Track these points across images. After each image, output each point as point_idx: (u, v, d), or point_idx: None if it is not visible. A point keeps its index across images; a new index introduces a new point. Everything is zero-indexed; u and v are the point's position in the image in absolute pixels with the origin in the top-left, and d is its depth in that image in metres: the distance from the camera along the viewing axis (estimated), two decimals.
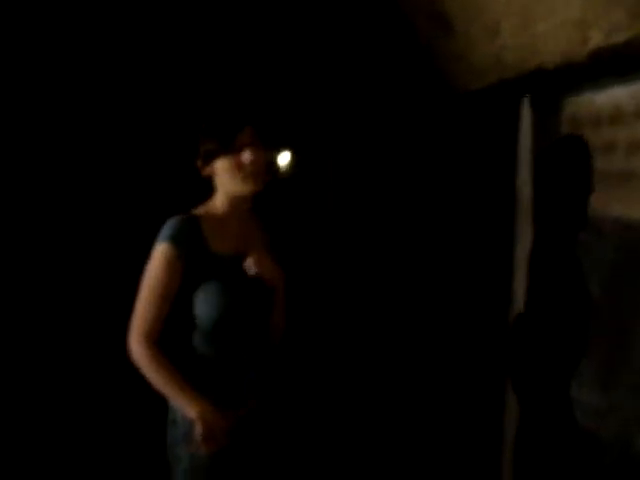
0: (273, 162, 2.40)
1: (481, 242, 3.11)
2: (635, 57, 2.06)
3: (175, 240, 1.95)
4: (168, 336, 1.99)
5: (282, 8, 2.90)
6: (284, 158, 2.96)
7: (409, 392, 3.15)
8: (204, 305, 2.00)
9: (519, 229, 2.99)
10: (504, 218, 3.01)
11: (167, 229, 1.97)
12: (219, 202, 2.09)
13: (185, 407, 1.91)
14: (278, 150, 2.59)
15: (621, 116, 2.36)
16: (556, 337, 2.72)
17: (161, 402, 2.00)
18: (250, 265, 2.04)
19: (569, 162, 2.68)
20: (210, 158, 2.04)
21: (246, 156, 1.99)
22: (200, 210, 2.08)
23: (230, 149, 2.00)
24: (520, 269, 2.96)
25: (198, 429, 1.85)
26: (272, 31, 2.92)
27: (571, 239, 2.66)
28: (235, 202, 2.08)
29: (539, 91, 2.69)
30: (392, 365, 3.17)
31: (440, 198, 3.16)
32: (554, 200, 2.77)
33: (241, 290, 2.04)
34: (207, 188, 2.13)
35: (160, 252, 1.96)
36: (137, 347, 1.94)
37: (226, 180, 2.03)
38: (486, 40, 2.53)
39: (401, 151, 3.08)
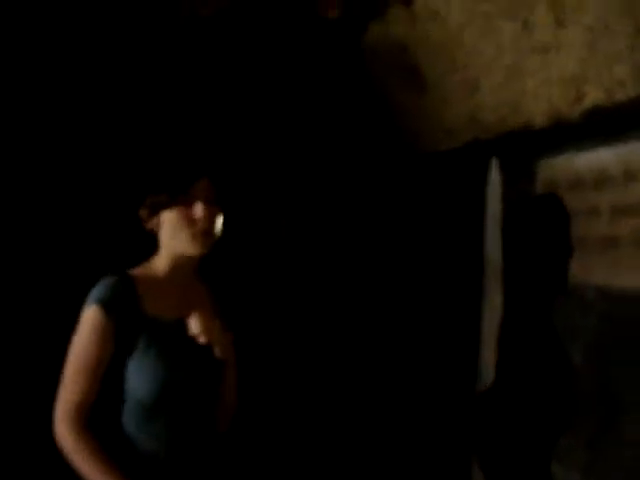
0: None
1: (447, 310, 2.91)
2: (634, 117, 1.93)
3: (105, 302, 1.72)
4: (99, 416, 1.73)
5: (246, 56, 2.67)
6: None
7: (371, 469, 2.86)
8: (140, 378, 1.74)
9: (487, 297, 2.83)
10: (471, 284, 2.83)
11: (97, 290, 1.74)
12: (161, 261, 1.85)
13: None
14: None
15: (606, 180, 2.23)
16: (532, 412, 2.52)
17: None
18: (196, 330, 1.78)
19: (544, 227, 2.55)
20: (157, 209, 1.81)
21: (199, 211, 1.76)
22: (138, 270, 1.84)
23: (182, 201, 1.77)
24: (488, 339, 2.77)
25: None
26: (234, 80, 2.69)
27: (547, 308, 2.51)
28: (180, 262, 1.84)
29: (511, 153, 2.55)
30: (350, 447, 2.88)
31: (404, 262, 2.95)
32: (527, 266, 2.61)
33: (184, 360, 1.79)
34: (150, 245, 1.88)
35: (88, 317, 1.72)
36: (63, 429, 1.67)
37: (172, 236, 1.79)
38: (462, 97, 2.38)
39: (362, 211, 2.86)
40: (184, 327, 1.81)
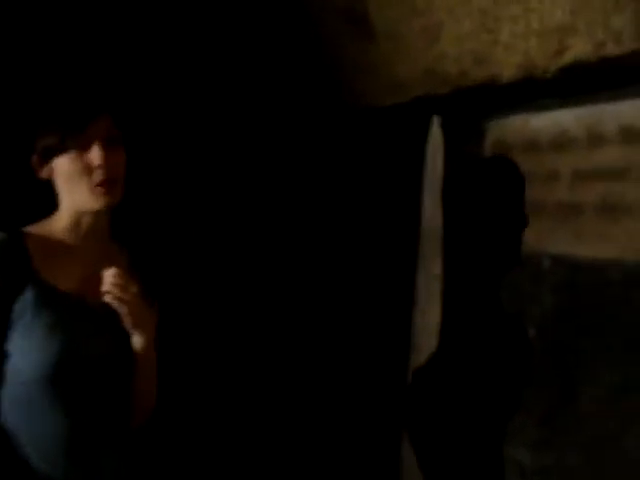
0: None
1: (379, 275, 2.70)
2: (618, 75, 1.77)
3: None
4: None
5: None
6: None
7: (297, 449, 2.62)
8: (26, 357, 1.45)
9: (423, 264, 2.63)
10: (406, 251, 2.63)
11: None
12: (61, 218, 1.57)
13: None
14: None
15: (567, 142, 2.08)
16: (478, 388, 2.38)
17: None
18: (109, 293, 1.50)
19: (493, 191, 2.38)
20: (49, 154, 1.52)
21: (97, 155, 1.48)
22: (34, 227, 1.56)
23: (76, 144, 1.48)
24: (425, 308, 2.59)
25: None
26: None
27: (496, 278, 2.35)
28: (83, 220, 1.56)
29: (461, 111, 2.35)
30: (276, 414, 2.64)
31: (333, 227, 2.71)
32: (473, 234, 2.44)
33: (85, 337, 1.51)
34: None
35: None
36: None
37: (69, 188, 1.52)
38: (419, 47, 2.15)
39: (290, 168, 2.58)
40: (90, 303, 1.53)
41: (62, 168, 1.50)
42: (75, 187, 1.50)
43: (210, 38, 2.47)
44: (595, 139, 2.02)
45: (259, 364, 2.59)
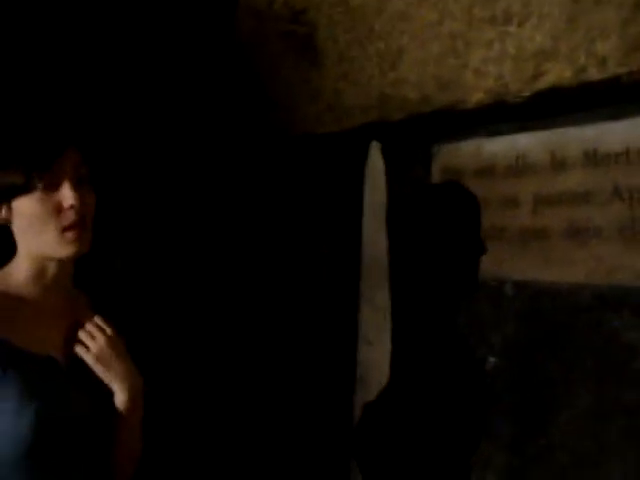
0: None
1: (321, 311, 2.59)
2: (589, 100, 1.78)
3: None
4: None
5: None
6: None
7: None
8: None
9: (366, 296, 2.55)
10: (346, 282, 2.54)
11: None
12: (20, 268, 1.36)
13: None
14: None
15: (527, 167, 2.08)
16: (436, 417, 2.32)
17: None
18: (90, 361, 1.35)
19: (441, 218, 2.34)
20: (9, 195, 1.31)
21: (68, 195, 1.29)
22: None
23: (42, 183, 1.29)
24: (373, 339, 2.51)
25: None
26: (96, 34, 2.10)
27: (449, 308, 2.30)
28: (48, 268, 1.36)
29: (409, 137, 2.30)
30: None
31: (272, 259, 2.58)
32: (421, 262, 2.39)
33: (64, 404, 1.32)
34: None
35: None
36: None
37: (34, 233, 1.32)
38: (375, 72, 2.08)
39: (226, 199, 2.43)
40: (57, 358, 1.34)
41: (25, 210, 1.30)
42: (40, 232, 1.30)
43: (149, 64, 2.27)
44: (558, 163, 2.00)
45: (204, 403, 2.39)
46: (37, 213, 1.28)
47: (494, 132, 2.18)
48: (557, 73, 1.76)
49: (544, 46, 1.73)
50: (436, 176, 2.37)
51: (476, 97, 1.94)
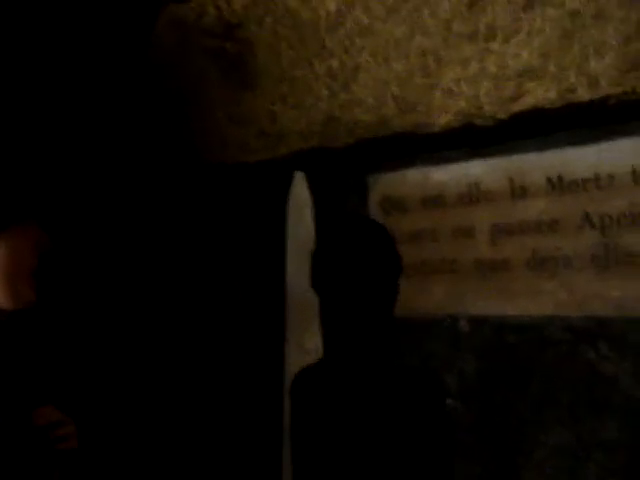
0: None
1: (243, 355, 2.33)
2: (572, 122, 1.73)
3: None
4: None
5: None
6: None
7: None
8: None
9: (292, 337, 2.32)
10: (270, 323, 2.30)
11: None
12: None
13: None
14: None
15: (482, 195, 1.98)
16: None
17: None
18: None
19: (377, 251, 2.16)
20: None
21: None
22: None
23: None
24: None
25: None
26: None
27: (391, 348, 2.13)
28: None
29: (338, 165, 2.13)
30: None
31: (192, 295, 2.28)
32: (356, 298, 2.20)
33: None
34: None
35: None
36: None
37: None
38: (320, 94, 1.89)
39: (142, 232, 2.13)
40: None
41: None
42: None
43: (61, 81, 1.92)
44: (519, 191, 1.90)
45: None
46: None
47: (442, 159, 2.04)
48: (540, 94, 1.64)
49: (530, 64, 1.61)
50: (374, 207, 2.18)
51: (444, 119, 1.78)
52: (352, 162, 2.12)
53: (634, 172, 1.76)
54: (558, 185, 1.89)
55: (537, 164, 1.92)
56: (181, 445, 2.23)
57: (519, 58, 1.66)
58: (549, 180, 1.90)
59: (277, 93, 2.01)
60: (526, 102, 1.70)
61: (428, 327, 2.11)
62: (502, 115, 1.74)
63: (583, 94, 1.63)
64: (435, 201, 2.09)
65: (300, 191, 2.31)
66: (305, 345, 2.33)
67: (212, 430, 2.25)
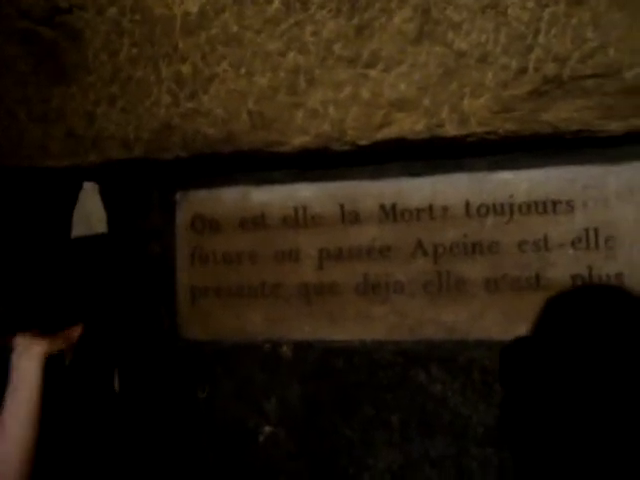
0: None
1: None
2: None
3: None
4: None
5: None
6: None
7: None
8: None
9: None
10: None
11: None
12: None
13: None
14: None
15: (310, 219, 2.03)
16: None
17: None
18: None
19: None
20: None
21: None
22: None
23: None
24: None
25: None
26: None
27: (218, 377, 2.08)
28: None
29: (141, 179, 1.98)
30: None
31: None
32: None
33: None
34: None
35: None
36: None
37: None
38: (156, 99, 1.75)
39: None
40: None
41: None
42: None
43: None
44: (351, 217, 1.95)
45: None
46: None
47: (264, 180, 1.98)
48: (408, 124, 1.69)
49: (405, 95, 1.65)
50: (182, 227, 2.01)
51: (300, 140, 1.73)
52: (162, 177, 1.90)
53: (467, 204, 1.88)
54: (389, 213, 1.92)
55: (370, 191, 1.94)
56: None
57: (395, 88, 1.65)
58: (382, 207, 1.93)
59: (104, 92, 1.71)
60: (391, 131, 1.70)
61: (245, 353, 1.99)
62: (363, 142, 1.72)
63: (450, 130, 1.68)
64: (255, 223, 1.98)
65: (90, 205, 1.99)
66: None
67: None
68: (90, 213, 2.01)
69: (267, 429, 1.98)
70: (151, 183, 1.96)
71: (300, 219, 1.97)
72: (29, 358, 1.41)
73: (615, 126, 1.57)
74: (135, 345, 2.01)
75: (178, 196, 2.02)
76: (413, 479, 1.90)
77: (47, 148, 1.77)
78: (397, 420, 1.91)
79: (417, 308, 1.91)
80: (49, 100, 1.72)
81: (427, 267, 1.90)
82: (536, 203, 1.82)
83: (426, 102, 1.67)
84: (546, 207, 1.81)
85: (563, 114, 1.57)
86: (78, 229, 1.98)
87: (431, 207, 1.90)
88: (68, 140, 1.77)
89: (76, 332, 1.47)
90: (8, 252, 1.91)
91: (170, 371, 1.98)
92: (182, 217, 2.02)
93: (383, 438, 1.92)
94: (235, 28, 1.63)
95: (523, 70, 1.57)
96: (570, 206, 1.79)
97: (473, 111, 1.65)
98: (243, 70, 1.68)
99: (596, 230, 1.78)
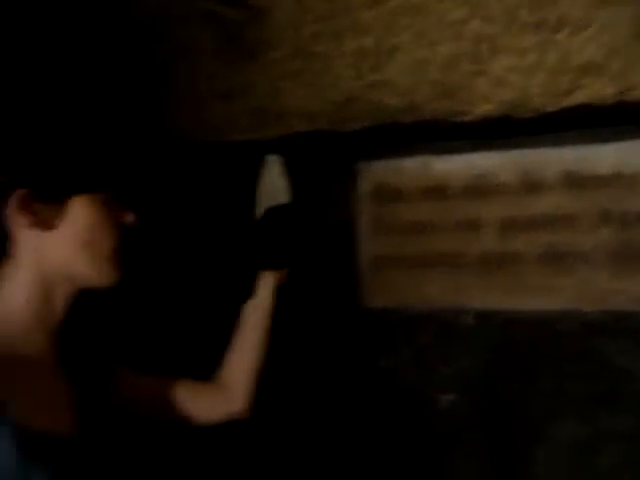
0: None
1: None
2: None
3: None
4: None
5: None
6: None
7: None
8: None
9: None
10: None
11: None
12: (18, 301, 1.03)
13: None
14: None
15: (490, 189, 1.98)
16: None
17: None
18: None
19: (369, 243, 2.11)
20: (67, 193, 1.05)
21: (128, 211, 1.16)
22: None
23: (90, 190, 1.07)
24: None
25: None
26: None
27: (391, 341, 2.09)
28: (57, 304, 1.08)
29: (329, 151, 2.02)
30: None
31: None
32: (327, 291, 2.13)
33: None
34: None
35: None
36: None
37: (75, 251, 1.04)
38: (342, 73, 1.77)
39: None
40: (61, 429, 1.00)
41: (81, 216, 1.04)
42: (91, 249, 1.05)
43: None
44: (531, 186, 1.91)
45: None
46: (96, 223, 1.05)
47: (444, 149, 1.98)
48: (596, 89, 1.63)
49: (593, 59, 1.62)
50: (364, 196, 2.06)
51: (483, 109, 1.72)
52: (344, 148, 1.96)
53: None
54: (572, 182, 1.88)
55: (553, 160, 1.90)
56: None
57: (583, 52, 1.61)
58: (564, 176, 1.89)
59: (288, 68, 1.79)
60: (579, 97, 1.66)
61: (427, 321, 2.02)
62: (550, 108, 1.69)
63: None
64: (437, 192, 2.00)
65: (273, 178, 2.10)
66: None
67: None
68: (272, 184, 2.12)
69: (445, 398, 2.02)
70: (333, 154, 2.04)
71: (481, 188, 1.98)
72: (266, 287, 1.62)
73: None
74: (317, 310, 2.11)
75: (360, 166, 2.09)
76: (597, 453, 1.87)
77: (233, 123, 1.90)
78: (580, 392, 1.89)
79: (603, 278, 1.87)
80: (233, 76, 1.84)
81: (613, 236, 1.86)
82: None
83: (615, 66, 1.62)
84: None
85: None
86: (262, 200, 2.10)
87: (617, 174, 1.85)
88: (253, 114, 1.88)
89: (286, 274, 1.68)
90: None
91: (353, 339, 2.07)
92: (364, 187, 2.09)
93: (564, 410, 1.90)
94: None
95: None
96: None
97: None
98: (425, 40, 1.71)
99: None
